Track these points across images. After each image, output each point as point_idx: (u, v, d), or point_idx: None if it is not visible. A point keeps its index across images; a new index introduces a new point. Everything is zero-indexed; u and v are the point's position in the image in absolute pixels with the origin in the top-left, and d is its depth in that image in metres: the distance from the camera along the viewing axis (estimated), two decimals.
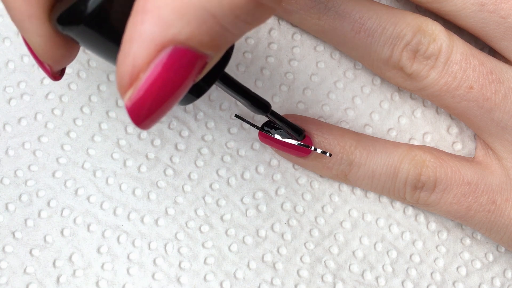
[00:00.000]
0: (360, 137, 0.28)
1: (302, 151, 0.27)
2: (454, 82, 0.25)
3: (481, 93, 0.25)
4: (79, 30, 0.18)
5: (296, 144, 0.27)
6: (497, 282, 0.29)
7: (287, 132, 0.27)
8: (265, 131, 0.27)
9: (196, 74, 0.17)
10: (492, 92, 0.25)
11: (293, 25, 0.29)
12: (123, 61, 0.17)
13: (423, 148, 0.28)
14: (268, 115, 0.25)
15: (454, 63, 0.25)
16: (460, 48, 0.26)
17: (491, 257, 0.29)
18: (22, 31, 0.19)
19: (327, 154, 0.27)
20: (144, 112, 0.17)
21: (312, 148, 0.27)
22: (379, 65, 0.27)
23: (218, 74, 0.21)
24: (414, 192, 0.27)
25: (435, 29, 0.26)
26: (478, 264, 0.29)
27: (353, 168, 0.27)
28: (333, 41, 0.28)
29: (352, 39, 0.26)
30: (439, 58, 0.25)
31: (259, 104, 0.24)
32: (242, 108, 0.29)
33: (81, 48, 0.29)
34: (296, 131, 0.27)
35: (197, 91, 0.21)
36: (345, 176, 0.28)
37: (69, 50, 0.20)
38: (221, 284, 0.29)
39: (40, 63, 0.22)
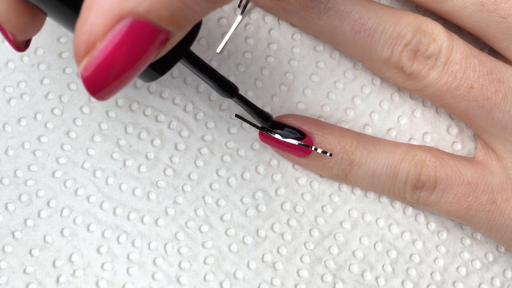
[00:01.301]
0: (360, 137, 0.28)
1: (302, 151, 0.27)
2: (454, 82, 0.25)
3: (481, 93, 0.25)
4: None
5: (297, 144, 0.27)
6: (497, 282, 0.29)
7: (254, 118, 0.26)
8: (265, 131, 0.27)
9: (157, 49, 0.17)
10: (492, 92, 0.25)
11: (293, 25, 0.29)
12: (80, 29, 0.16)
13: (423, 147, 0.28)
14: (235, 99, 0.24)
15: (454, 63, 0.25)
16: (460, 48, 0.26)
17: (491, 257, 0.29)
18: None
19: (328, 154, 0.27)
20: (99, 83, 0.17)
21: (313, 148, 0.27)
22: (379, 65, 0.27)
23: (183, 52, 0.20)
24: (414, 191, 0.27)
25: (435, 29, 0.26)
26: (478, 264, 0.29)
27: (354, 167, 0.27)
28: (333, 41, 0.28)
29: (352, 39, 0.26)
30: (439, 58, 0.25)
31: (226, 87, 0.23)
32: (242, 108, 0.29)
33: None
34: (263, 117, 0.26)
35: (160, 68, 0.20)
36: (345, 175, 0.28)
37: (33, 20, 0.20)
38: (221, 284, 0.29)
39: (3, 31, 0.22)
